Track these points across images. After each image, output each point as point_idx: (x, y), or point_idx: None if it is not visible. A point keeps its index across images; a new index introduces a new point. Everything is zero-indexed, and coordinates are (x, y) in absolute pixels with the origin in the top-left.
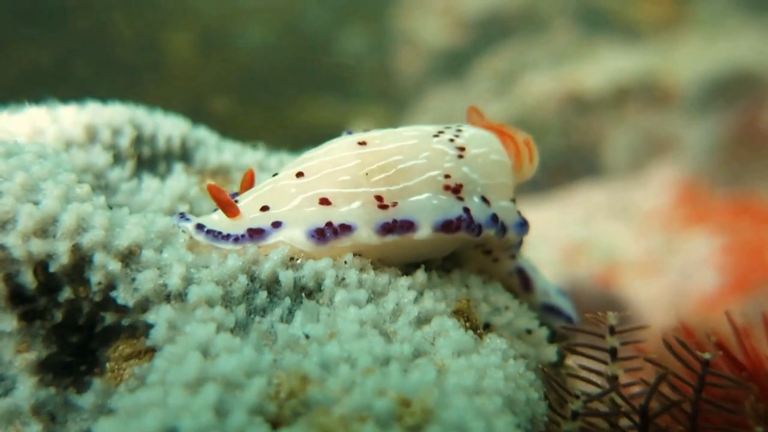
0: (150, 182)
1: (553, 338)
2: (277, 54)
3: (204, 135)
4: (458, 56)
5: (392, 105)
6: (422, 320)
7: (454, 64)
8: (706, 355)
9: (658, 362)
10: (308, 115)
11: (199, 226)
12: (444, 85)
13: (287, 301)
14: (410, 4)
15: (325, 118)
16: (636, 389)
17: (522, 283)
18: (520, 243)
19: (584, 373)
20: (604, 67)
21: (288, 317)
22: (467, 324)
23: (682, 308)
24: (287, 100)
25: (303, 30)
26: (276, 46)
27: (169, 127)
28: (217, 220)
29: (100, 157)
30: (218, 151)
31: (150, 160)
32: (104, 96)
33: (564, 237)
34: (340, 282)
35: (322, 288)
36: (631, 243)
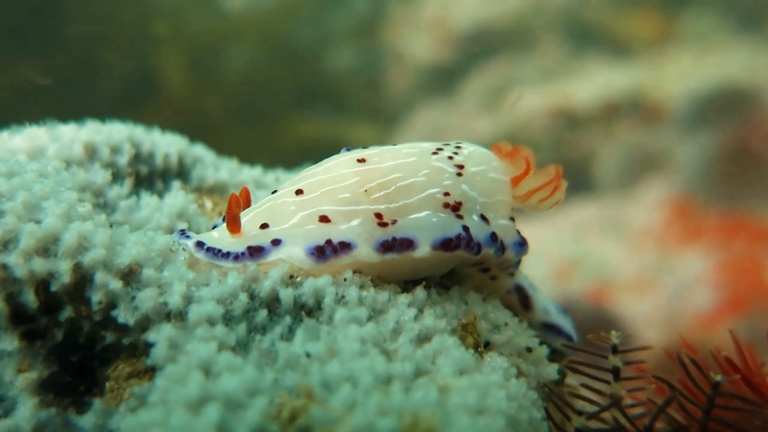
0: (148, 199)
1: (553, 357)
2: (267, 72)
3: (201, 152)
4: (447, 72)
5: (382, 121)
6: (423, 338)
7: (443, 79)
8: (718, 378)
9: (667, 381)
10: (299, 132)
11: (200, 244)
12: (433, 101)
13: (287, 319)
14: (399, 21)
15: (316, 135)
16: (639, 410)
17: (521, 301)
18: (518, 262)
19: (585, 392)
20: (593, 82)
21: (288, 335)
22: (471, 341)
23: (677, 327)
24: (278, 117)
25: (292, 47)
26: (266, 65)
27: (166, 144)
28: (217, 237)
29: (99, 175)
30: (215, 168)
31: (148, 177)
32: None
33: (556, 254)
34: (340, 300)
35: (322, 306)
36: (623, 260)
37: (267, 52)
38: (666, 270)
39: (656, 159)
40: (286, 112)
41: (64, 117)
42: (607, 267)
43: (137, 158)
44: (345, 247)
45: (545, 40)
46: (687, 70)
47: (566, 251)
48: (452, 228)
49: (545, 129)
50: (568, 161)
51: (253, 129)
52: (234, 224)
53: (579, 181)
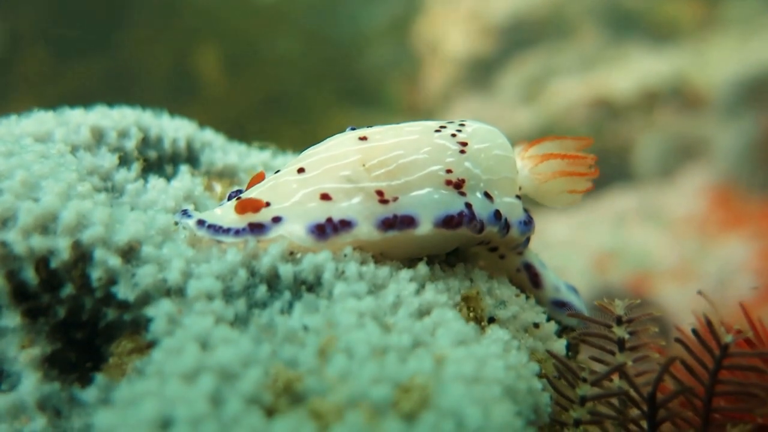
0: (155, 182)
1: (563, 334)
2: (305, 67)
3: (210, 137)
4: (485, 64)
5: (420, 115)
6: (423, 312)
7: (480, 72)
8: (728, 338)
9: (682, 340)
10: (336, 127)
11: (201, 222)
12: (471, 94)
13: (287, 294)
14: (436, 14)
15: None
16: (646, 378)
17: (531, 279)
18: (527, 241)
19: (594, 365)
20: (633, 70)
21: (288, 310)
22: (471, 315)
23: (719, 315)
24: (315, 112)
25: (329, 43)
26: (303, 60)
27: (174, 129)
28: (219, 214)
29: (106, 159)
30: (224, 152)
31: (157, 162)
32: None
33: (594, 244)
34: (340, 275)
35: (321, 281)
36: (664, 249)
37: (304, 48)
38: (708, 258)
39: (697, 146)
40: (323, 107)
41: None
42: (647, 256)
43: (145, 143)
44: (345, 225)
45: (583, 28)
46: (729, 55)
47: (606, 241)
48: (454, 205)
49: (584, 119)
50: (607, 151)
51: (291, 124)
52: (247, 204)
53: (619, 170)
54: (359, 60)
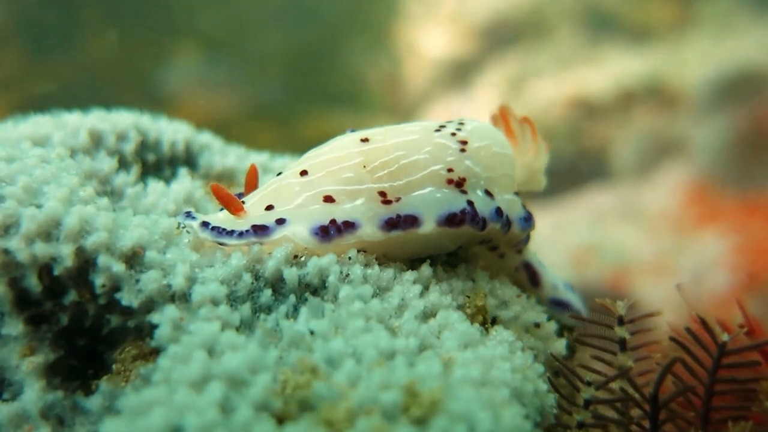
0: (155, 185)
1: (562, 333)
2: (285, 68)
3: (208, 139)
4: (464, 64)
5: (400, 115)
6: (428, 314)
7: (460, 72)
8: (724, 337)
9: (678, 339)
10: (316, 127)
11: (204, 224)
12: (451, 94)
13: (292, 298)
14: (415, 15)
15: (334, 130)
16: (647, 378)
17: (530, 278)
18: (527, 238)
19: (595, 364)
20: (610, 70)
21: (293, 314)
22: (475, 315)
23: (696, 309)
24: (295, 112)
25: (310, 43)
26: (283, 60)
27: (173, 132)
28: (222, 218)
29: (105, 163)
30: (222, 155)
31: (155, 165)
32: None
33: (573, 241)
34: (345, 278)
35: (326, 284)
36: (641, 245)
37: (284, 48)
38: (684, 253)
39: (673, 144)
40: (303, 107)
41: None
42: (625, 252)
43: (144, 146)
44: (349, 226)
45: (561, 29)
46: (704, 54)
47: (584, 238)
48: (457, 203)
49: (563, 118)
50: (585, 149)
51: (272, 125)
52: (232, 204)
53: (597, 168)
54: (340, 61)
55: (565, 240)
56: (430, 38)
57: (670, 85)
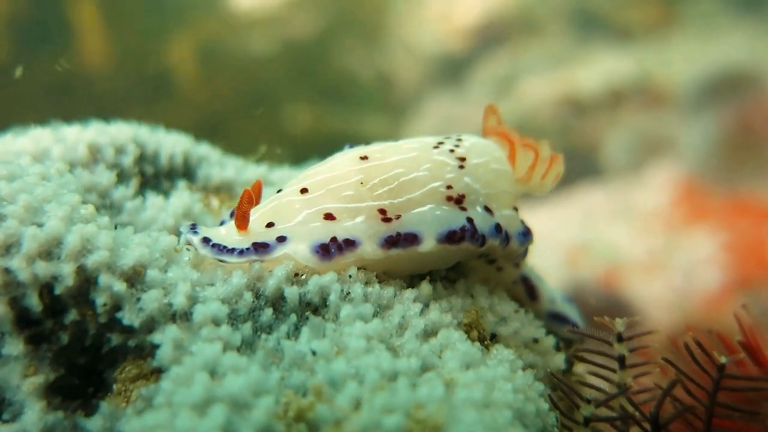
0: (154, 200)
1: (560, 346)
2: (278, 65)
3: (206, 151)
4: (456, 62)
5: (392, 112)
6: (429, 333)
7: (451, 70)
8: (722, 359)
9: (674, 364)
10: (309, 124)
11: (206, 240)
12: (442, 92)
13: (293, 317)
14: (407, 13)
15: (326, 128)
16: (647, 395)
17: (527, 292)
18: (525, 252)
19: (593, 380)
20: (598, 69)
21: (294, 334)
22: (474, 333)
23: (686, 307)
24: (288, 109)
25: (302, 41)
26: (276, 58)
27: (171, 144)
28: (224, 234)
29: (104, 176)
30: (221, 166)
31: (153, 177)
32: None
33: (565, 239)
34: (346, 297)
35: (327, 303)
36: (632, 243)
37: (277, 46)
38: (674, 251)
39: (662, 143)
40: (296, 104)
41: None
42: (616, 251)
43: (142, 158)
44: (350, 244)
45: (551, 28)
46: (689, 54)
47: (576, 237)
48: (456, 220)
49: (552, 117)
50: (575, 147)
51: (264, 122)
52: (242, 221)
53: (587, 166)
54: (332, 58)
55: (557, 238)
56: (421, 36)
57: (657, 84)
